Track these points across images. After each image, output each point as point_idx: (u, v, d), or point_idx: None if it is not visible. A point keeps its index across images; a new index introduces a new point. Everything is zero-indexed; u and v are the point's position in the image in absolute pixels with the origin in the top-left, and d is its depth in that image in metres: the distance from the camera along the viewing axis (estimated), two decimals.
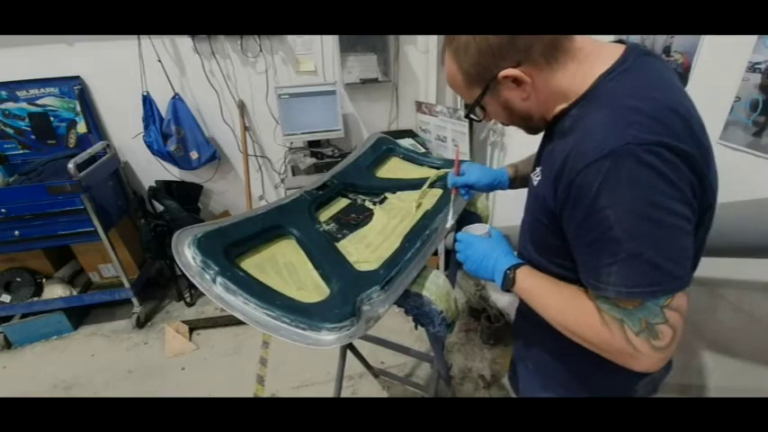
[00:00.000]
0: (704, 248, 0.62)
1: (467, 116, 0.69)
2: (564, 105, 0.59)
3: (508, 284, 0.68)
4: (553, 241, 0.62)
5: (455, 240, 0.80)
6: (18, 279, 2.18)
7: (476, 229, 0.81)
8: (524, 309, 0.85)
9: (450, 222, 0.99)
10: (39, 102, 2.12)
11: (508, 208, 2.15)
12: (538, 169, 0.66)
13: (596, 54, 0.57)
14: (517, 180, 0.96)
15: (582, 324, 0.58)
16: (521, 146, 2.00)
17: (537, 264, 0.69)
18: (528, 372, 0.88)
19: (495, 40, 0.56)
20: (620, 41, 0.60)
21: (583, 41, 0.57)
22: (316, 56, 2.34)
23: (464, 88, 0.64)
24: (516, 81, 0.58)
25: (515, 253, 0.75)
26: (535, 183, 0.65)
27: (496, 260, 0.71)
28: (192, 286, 2.41)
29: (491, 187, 0.97)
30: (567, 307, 0.60)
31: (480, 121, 0.70)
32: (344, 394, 1.74)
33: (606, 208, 0.48)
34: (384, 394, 1.83)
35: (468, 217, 1.21)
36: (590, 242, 0.52)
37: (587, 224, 0.52)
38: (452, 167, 1.21)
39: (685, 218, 0.49)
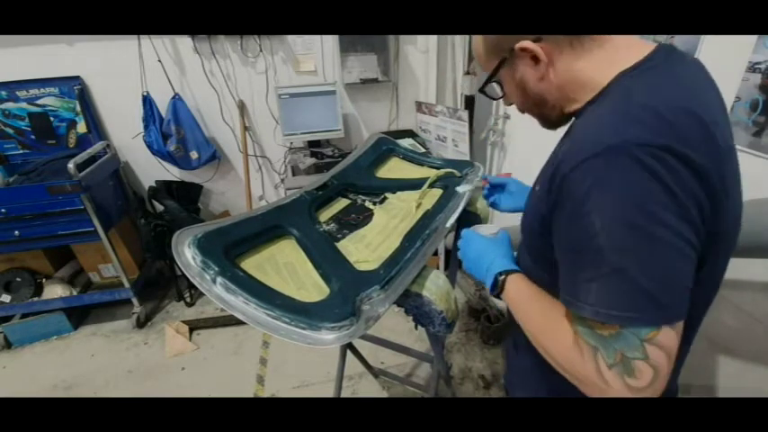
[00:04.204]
0: (717, 292, 0.55)
1: (481, 90, 0.64)
2: (578, 105, 0.55)
3: (497, 289, 0.63)
4: (544, 249, 0.56)
5: (459, 237, 0.77)
6: (18, 279, 2.18)
7: (484, 229, 0.78)
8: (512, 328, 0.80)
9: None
10: (39, 102, 2.12)
11: None
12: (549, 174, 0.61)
13: (625, 48, 0.51)
14: None
15: (554, 342, 0.51)
16: (521, 146, 2.00)
17: (530, 271, 0.63)
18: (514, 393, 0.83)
19: None
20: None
21: None
22: (316, 56, 2.34)
23: (483, 57, 0.60)
24: (534, 58, 0.53)
25: (515, 255, 0.71)
26: (537, 188, 0.60)
27: (491, 262, 0.66)
28: (191, 286, 2.41)
29: (515, 210, 0.92)
30: (543, 321, 0.54)
31: (495, 99, 0.64)
32: (344, 394, 1.74)
33: (592, 212, 0.42)
34: (384, 394, 1.83)
35: (467, 217, 1.21)
36: (572, 251, 0.47)
37: (572, 230, 0.46)
38: (452, 167, 1.21)
39: (684, 238, 0.42)
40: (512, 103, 0.64)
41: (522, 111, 0.64)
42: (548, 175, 0.51)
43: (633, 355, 0.43)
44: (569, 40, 0.51)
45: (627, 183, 0.41)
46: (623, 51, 0.51)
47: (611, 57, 0.51)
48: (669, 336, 0.42)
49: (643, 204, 0.41)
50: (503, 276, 0.63)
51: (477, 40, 0.60)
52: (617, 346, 0.43)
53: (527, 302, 0.59)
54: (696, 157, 0.41)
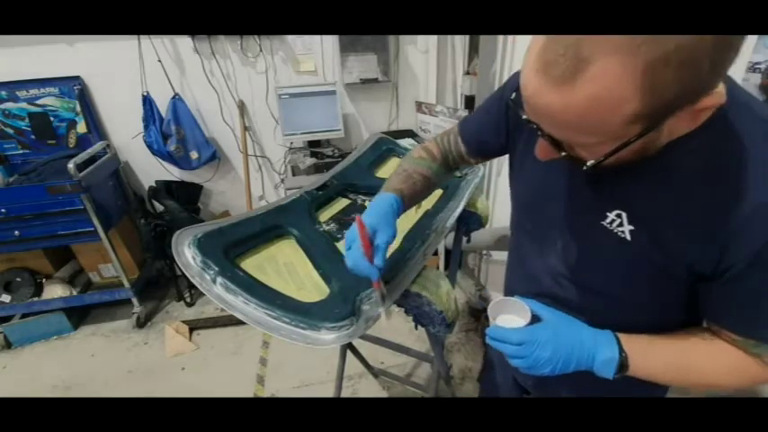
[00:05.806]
0: None
1: (597, 166, 0.46)
2: (670, 138, 0.49)
3: (622, 371, 0.57)
4: (664, 295, 0.57)
5: (495, 339, 0.61)
6: (18, 279, 2.18)
7: (512, 314, 0.63)
8: None
9: (384, 309, 0.75)
10: (39, 102, 2.12)
11: (508, 207, 2.14)
12: (616, 216, 0.55)
13: None
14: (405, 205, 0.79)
15: (740, 375, 0.56)
16: None
17: (612, 319, 0.61)
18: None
19: (721, 43, 0.38)
20: None
21: None
22: (316, 56, 2.34)
23: (618, 125, 0.40)
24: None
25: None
26: (626, 236, 0.54)
27: (590, 348, 0.58)
28: (191, 286, 2.41)
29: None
30: (710, 367, 0.57)
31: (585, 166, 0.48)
32: (344, 394, 1.75)
33: None
34: (384, 394, 1.83)
35: (468, 217, 1.21)
36: None
37: None
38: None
39: None
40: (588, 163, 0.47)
41: (600, 163, 0.46)
42: (696, 233, 0.50)
43: None
44: None
45: None
46: None
47: None
48: None
49: None
50: (624, 353, 0.57)
51: (624, 101, 0.38)
52: None
53: (670, 360, 0.58)
54: None
